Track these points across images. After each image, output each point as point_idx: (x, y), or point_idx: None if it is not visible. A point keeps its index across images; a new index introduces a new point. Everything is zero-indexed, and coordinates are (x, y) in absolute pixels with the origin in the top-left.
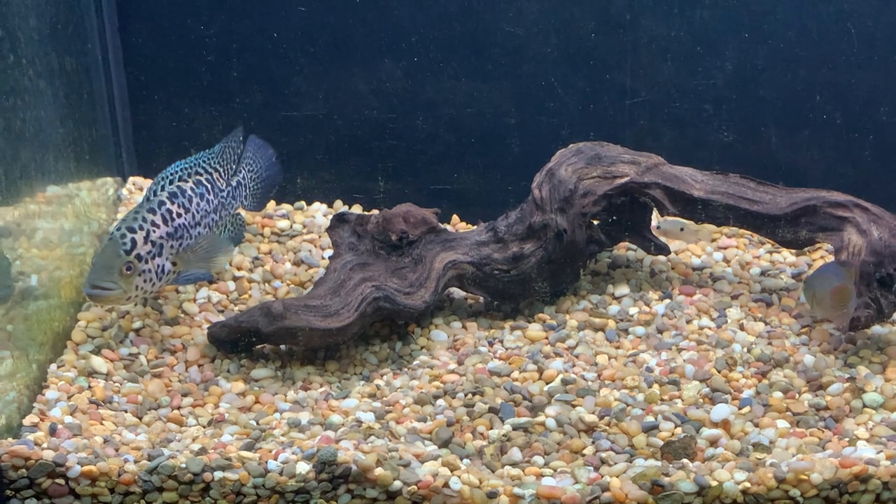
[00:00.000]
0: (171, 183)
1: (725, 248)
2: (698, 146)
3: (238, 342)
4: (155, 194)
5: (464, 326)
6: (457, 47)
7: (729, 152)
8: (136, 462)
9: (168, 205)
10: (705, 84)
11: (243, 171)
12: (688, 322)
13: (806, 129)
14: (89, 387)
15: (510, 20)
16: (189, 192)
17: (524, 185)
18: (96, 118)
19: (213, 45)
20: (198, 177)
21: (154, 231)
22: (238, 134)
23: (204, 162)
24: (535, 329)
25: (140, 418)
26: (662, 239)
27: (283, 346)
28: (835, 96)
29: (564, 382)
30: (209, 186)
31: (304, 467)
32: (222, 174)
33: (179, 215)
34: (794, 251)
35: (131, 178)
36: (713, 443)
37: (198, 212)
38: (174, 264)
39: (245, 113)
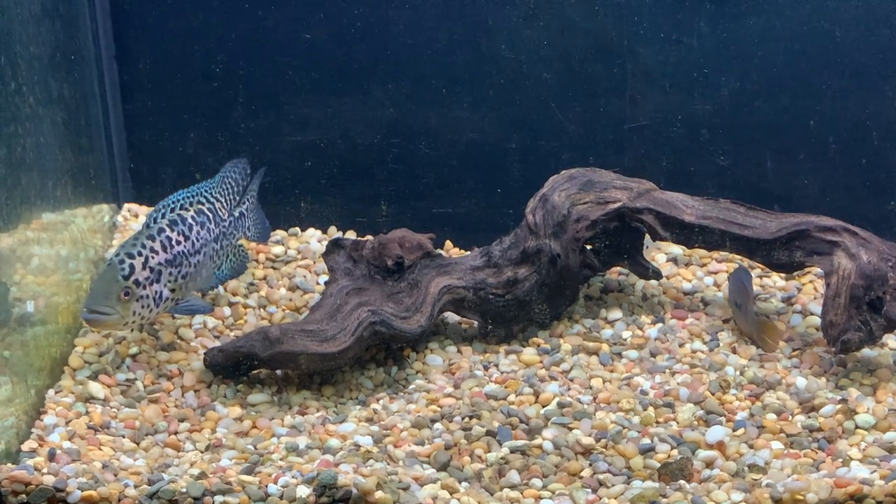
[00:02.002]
0: (171, 211)
1: (716, 273)
2: (695, 170)
3: (235, 367)
4: (155, 221)
5: (459, 351)
6: (459, 73)
7: (725, 176)
8: (136, 487)
9: (167, 232)
10: (702, 110)
11: (247, 201)
12: (680, 345)
13: (800, 154)
14: (87, 412)
15: (511, 47)
16: (190, 220)
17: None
18: (93, 145)
19: (213, 72)
20: (199, 206)
21: (153, 257)
22: (240, 163)
23: (206, 191)
24: (529, 353)
25: (138, 443)
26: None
27: (279, 371)
28: (827, 122)
29: (560, 405)
30: (210, 216)
31: (304, 491)
32: (224, 204)
33: (179, 243)
34: (783, 275)
35: (126, 205)
36: (709, 464)
37: (198, 240)
38: (172, 291)
39: (250, 138)
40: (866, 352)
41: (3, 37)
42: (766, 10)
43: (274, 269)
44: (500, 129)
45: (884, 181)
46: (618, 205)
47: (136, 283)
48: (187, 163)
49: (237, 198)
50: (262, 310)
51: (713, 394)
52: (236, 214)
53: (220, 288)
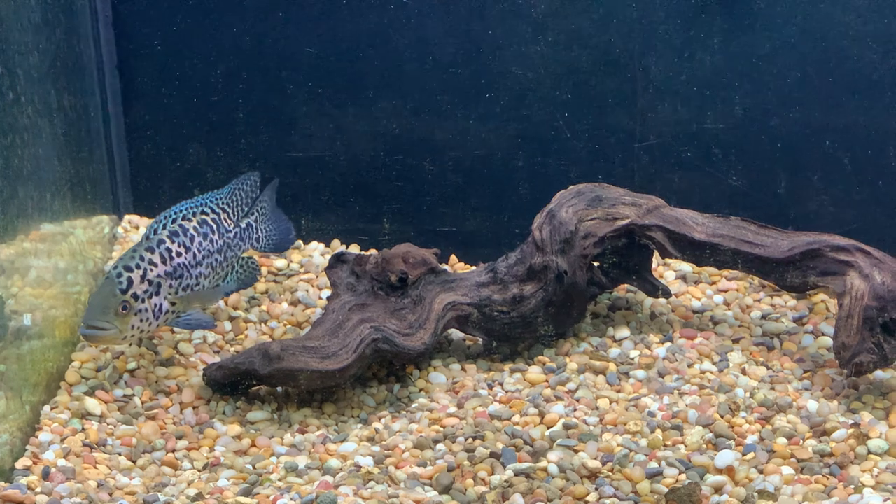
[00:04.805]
0: (173, 222)
1: (726, 291)
2: (707, 190)
3: (234, 384)
4: (155, 232)
5: (463, 369)
6: (464, 89)
7: (738, 196)
8: None
9: (168, 243)
10: (714, 128)
11: (256, 212)
12: (689, 366)
13: (815, 174)
14: (83, 429)
15: (518, 63)
16: (192, 231)
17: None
18: (93, 156)
19: (216, 84)
20: (203, 216)
21: (151, 270)
22: (252, 177)
23: (211, 202)
24: (534, 372)
25: (134, 461)
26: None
27: (279, 388)
28: (843, 140)
29: (566, 427)
30: (214, 226)
31: None
32: (230, 215)
33: (179, 254)
34: (795, 295)
35: (127, 216)
36: (718, 490)
37: (199, 251)
38: (173, 304)
39: (250, 153)
40: (879, 374)
41: (1, 46)
42: (780, 26)
43: (276, 283)
44: (507, 145)
45: None
46: (626, 221)
47: (135, 296)
48: (189, 175)
49: (245, 209)
50: (263, 325)
51: (722, 416)
52: (243, 225)
53: (221, 302)
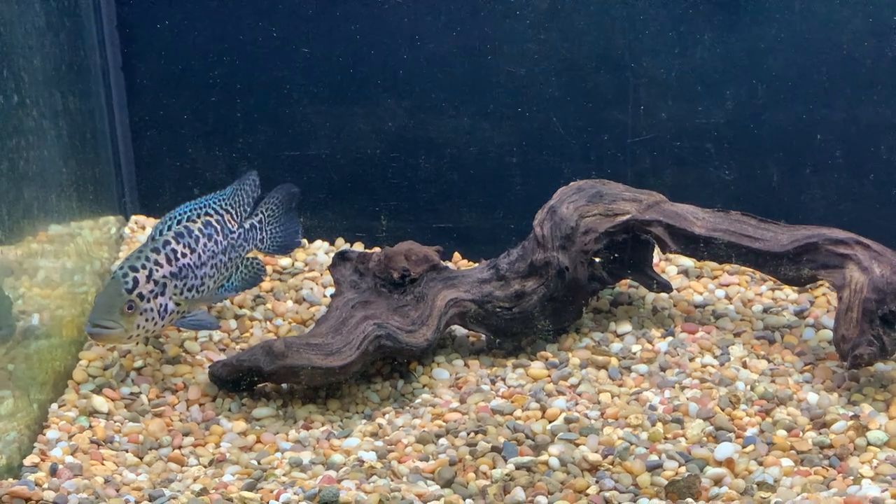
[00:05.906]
0: (178, 223)
1: (727, 286)
2: (700, 185)
3: (239, 381)
4: (161, 234)
5: (466, 364)
6: (459, 87)
7: (731, 191)
8: (137, 503)
9: (173, 244)
10: (706, 123)
11: (260, 213)
12: (690, 360)
13: (807, 168)
14: (90, 426)
15: (512, 60)
16: (196, 232)
17: (527, 223)
18: (99, 157)
19: (217, 85)
20: (207, 217)
21: (157, 270)
22: (251, 176)
23: (215, 203)
24: (537, 367)
25: (141, 458)
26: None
27: (284, 385)
28: (835, 134)
29: (567, 421)
30: (218, 227)
31: None
32: (234, 216)
33: (184, 255)
34: (795, 288)
35: (133, 217)
36: (717, 482)
37: (204, 252)
38: (178, 304)
39: (249, 153)
40: (880, 366)
41: (5, 50)
42: (773, 21)
43: (281, 281)
44: (503, 142)
45: (894, 194)
46: (626, 217)
47: (140, 296)
48: (190, 175)
49: (248, 210)
50: (268, 322)
51: (723, 409)
52: (247, 226)
53: (227, 300)
